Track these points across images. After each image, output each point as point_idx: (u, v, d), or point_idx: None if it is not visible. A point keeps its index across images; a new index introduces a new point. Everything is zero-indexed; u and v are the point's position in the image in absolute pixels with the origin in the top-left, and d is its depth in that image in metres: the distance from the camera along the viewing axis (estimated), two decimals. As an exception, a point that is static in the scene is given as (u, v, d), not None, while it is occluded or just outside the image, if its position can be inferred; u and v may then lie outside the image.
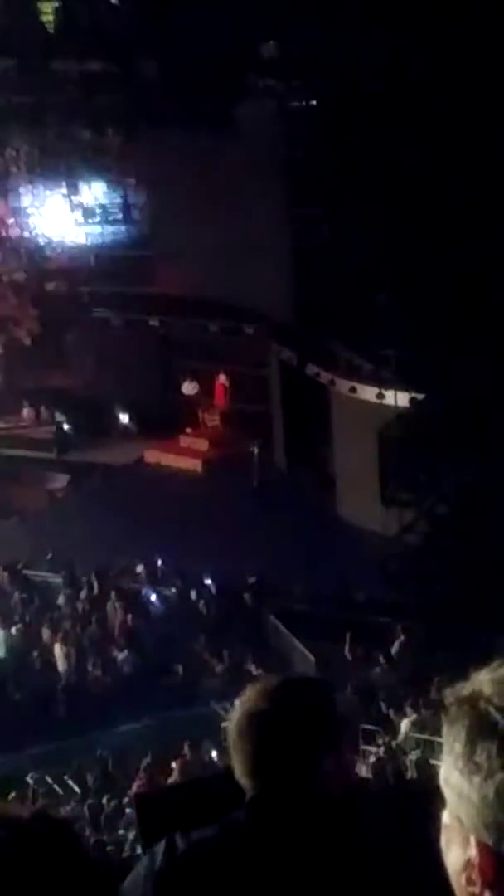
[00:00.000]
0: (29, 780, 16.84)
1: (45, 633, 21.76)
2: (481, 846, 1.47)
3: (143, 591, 23.38)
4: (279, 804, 2.47)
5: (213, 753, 16.31)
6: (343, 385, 26.93)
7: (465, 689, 1.58)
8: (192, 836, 2.48)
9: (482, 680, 1.56)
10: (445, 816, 1.53)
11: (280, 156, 28.80)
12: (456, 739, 1.51)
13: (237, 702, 2.61)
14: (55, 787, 17.03)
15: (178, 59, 29.13)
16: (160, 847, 2.48)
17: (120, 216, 35.89)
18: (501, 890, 1.46)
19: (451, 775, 1.50)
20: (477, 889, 1.48)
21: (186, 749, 16.69)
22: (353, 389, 26.54)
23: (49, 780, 16.58)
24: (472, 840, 1.48)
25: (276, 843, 2.44)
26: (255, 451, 29.44)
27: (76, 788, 16.96)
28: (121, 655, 21.22)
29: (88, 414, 32.62)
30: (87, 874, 1.67)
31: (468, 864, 1.49)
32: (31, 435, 32.81)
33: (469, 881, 1.49)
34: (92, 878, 1.68)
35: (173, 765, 16.30)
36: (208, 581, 23.38)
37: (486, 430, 23.31)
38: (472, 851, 1.48)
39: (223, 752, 15.33)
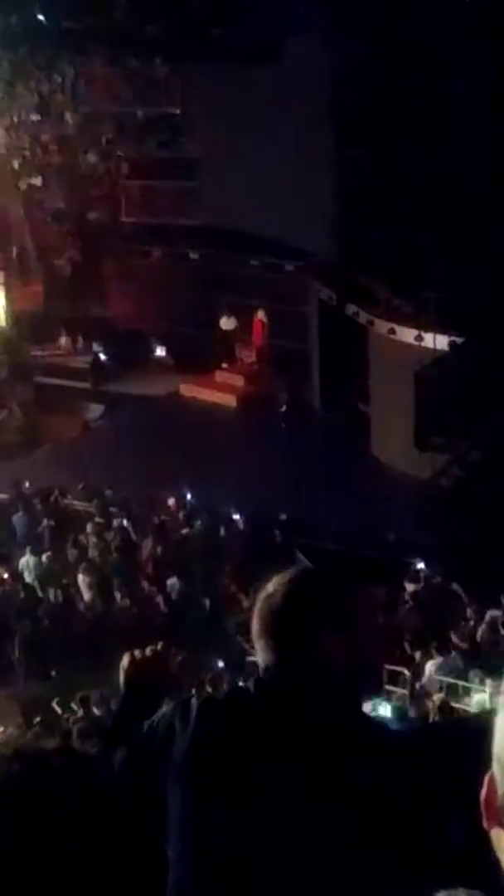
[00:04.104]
0: (55, 706, 17.01)
1: (74, 562, 21.92)
2: (491, 781, 1.47)
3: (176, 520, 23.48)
4: (281, 671, 2.93)
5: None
6: (382, 326, 26.76)
7: None
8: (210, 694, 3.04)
9: None
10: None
11: (328, 93, 28.48)
12: None
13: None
14: (80, 713, 17.17)
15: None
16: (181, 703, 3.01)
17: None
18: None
19: (495, 707, 1.52)
20: (484, 824, 1.48)
21: (209, 682, 16.79)
22: (392, 331, 26.37)
23: (74, 706, 16.71)
24: (487, 775, 1.48)
25: (273, 703, 2.90)
26: (284, 406, 29.44)
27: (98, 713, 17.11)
28: (169, 581, 21.33)
29: (125, 345, 32.60)
30: (105, 810, 1.66)
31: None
32: (67, 364, 32.84)
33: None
34: (111, 814, 1.67)
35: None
36: (238, 516, 23.44)
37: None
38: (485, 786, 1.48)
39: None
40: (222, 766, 2.86)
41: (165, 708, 3.07)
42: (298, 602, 2.99)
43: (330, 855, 2.71)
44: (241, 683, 3.24)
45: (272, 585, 3.06)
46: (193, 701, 3.00)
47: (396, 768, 2.87)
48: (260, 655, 3.03)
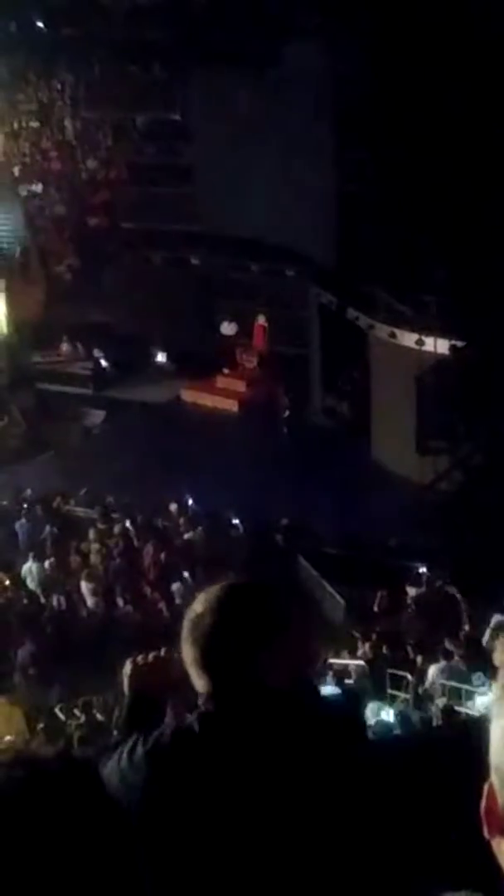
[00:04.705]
0: (58, 711, 17.01)
1: (77, 568, 21.91)
2: (490, 790, 1.47)
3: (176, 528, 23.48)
4: (223, 699, 2.73)
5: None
6: (383, 330, 26.76)
7: None
8: (153, 732, 2.80)
9: None
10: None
11: (327, 97, 28.50)
12: (498, 681, 1.53)
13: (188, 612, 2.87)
14: (83, 719, 17.17)
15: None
16: (125, 746, 2.82)
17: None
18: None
19: (491, 716, 1.51)
20: (485, 833, 1.48)
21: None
22: (393, 335, 26.38)
23: (77, 712, 16.71)
24: (486, 785, 1.48)
25: (219, 740, 2.70)
26: (285, 411, 29.46)
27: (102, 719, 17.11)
28: (174, 586, 21.34)
29: (126, 351, 32.61)
30: (107, 816, 1.66)
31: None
32: (68, 370, 32.84)
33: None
34: (112, 820, 1.66)
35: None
36: (240, 521, 23.44)
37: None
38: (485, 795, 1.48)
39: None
40: (183, 820, 2.66)
41: (114, 757, 2.82)
42: (230, 622, 2.78)
43: (320, 880, 2.58)
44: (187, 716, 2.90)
45: (199, 605, 2.85)
46: (139, 749, 2.79)
47: (370, 781, 2.72)
48: (196, 683, 2.82)
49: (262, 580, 3.15)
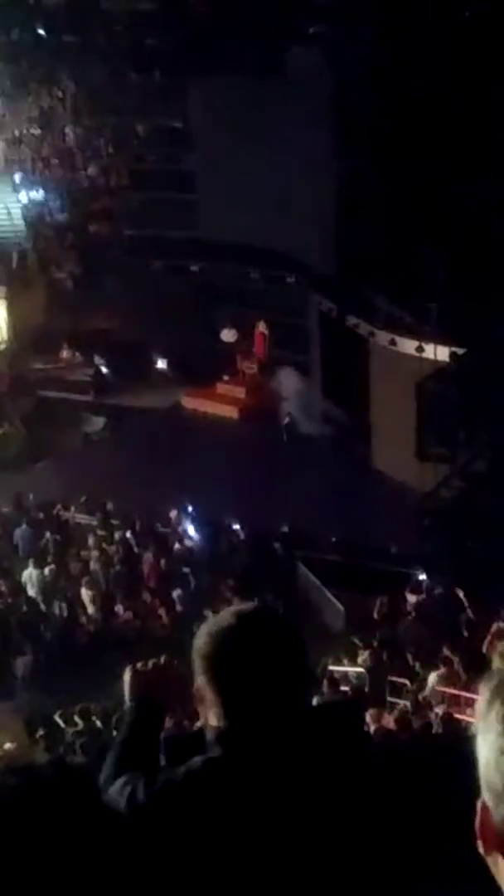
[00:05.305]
0: (57, 719, 16.98)
1: (77, 575, 21.89)
2: (483, 807, 1.46)
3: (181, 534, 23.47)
4: (256, 740, 2.46)
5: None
6: (383, 337, 26.78)
7: None
8: (169, 772, 2.52)
9: None
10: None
11: (327, 104, 28.53)
12: (482, 696, 1.49)
13: (204, 637, 2.57)
14: (82, 726, 17.16)
15: (228, 1, 28.83)
16: (139, 783, 2.53)
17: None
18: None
19: (476, 731, 1.49)
20: (481, 850, 1.47)
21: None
22: (393, 342, 26.39)
23: (77, 719, 16.69)
24: (480, 803, 1.47)
25: (253, 778, 2.44)
26: (286, 418, 29.50)
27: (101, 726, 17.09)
28: (175, 593, 21.33)
29: (127, 358, 32.61)
30: (101, 824, 1.66)
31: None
32: (69, 377, 32.86)
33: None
34: (107, 827, 1.66)
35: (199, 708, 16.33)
36: (240, 528, 23.43)
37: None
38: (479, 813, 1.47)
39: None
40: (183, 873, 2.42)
41: (110, 794, 2.54)
42: (270, 670, 2.50)
43: None
44: (195, 761, 2.48)
45: (221, 631, 2.55)
46: (140, 794, 2.51)
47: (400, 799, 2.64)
48: (214, 715, 2.54)
49: (283, 616, 2.75)
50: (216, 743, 2.50)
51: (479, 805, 1.47)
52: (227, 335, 32.72)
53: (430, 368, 25.29)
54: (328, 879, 2.46)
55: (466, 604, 19.03)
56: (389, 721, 13.66)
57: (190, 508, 24.28)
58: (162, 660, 3.13)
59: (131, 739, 2.92)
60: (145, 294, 32.49)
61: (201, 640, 2.57)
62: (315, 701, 10.02)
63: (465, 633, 18.13)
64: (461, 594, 18.74)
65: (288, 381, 30.77)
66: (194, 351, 32.17)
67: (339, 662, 17.81)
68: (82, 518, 24.50)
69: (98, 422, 31.48)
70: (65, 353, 33.55)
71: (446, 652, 16.84)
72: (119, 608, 21.19)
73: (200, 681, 2.55)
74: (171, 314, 31.96)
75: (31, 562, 22.06)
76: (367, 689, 16.38)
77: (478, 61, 24.49)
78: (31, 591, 21.44)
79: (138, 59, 33.42)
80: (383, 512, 23.74)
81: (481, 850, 1.47)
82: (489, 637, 17.20)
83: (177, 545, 23.21)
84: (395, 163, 26.81)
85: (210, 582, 21.96)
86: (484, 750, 1.46)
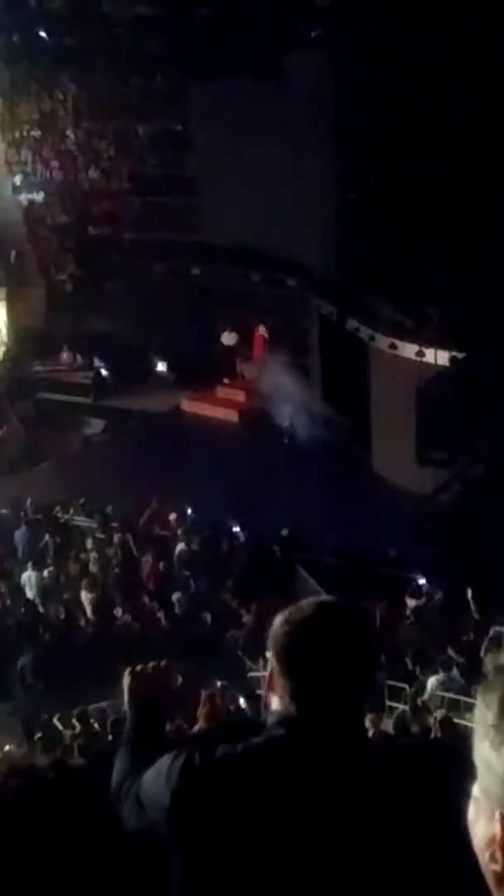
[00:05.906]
0: (55, 721, 16.96)
1: (76, 577, 21.88)
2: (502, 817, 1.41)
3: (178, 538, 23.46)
4: (319, 725, 2.53)
5: (241, 701, 16.38)
6: (383, 341, 26.77)
7: None
8: (226, 747, 2.57)
9: None
10: (475, 789, 1.47)
11: (328, 108, 28.54)
12: (489, 708, 1.45)
13: (281, 625, 2.65)
14: (79, 729, 17.14)
15: (228, 5, 28.81)
16: (178, 763, 2.53)
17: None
18: None
19: (482, 746, 1.44)
20: (499, 867, 1.42)
21: (210, 696, 16.71)
22: (394, 346, 26.38)
23: (75, 722, 16.67)
24: (497, 815, 1.42)
25: (312, 764, 2.51)
26: (286, 421, 29.47)
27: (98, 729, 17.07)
28: (174, 596, 21.30)
29: (127, 360, 32.62)
30: (99, 825, 1.66)
31: (493, 840, 1.43)
32: (68, 379, 32.87)
33: (492, 858, 1.43)
34: (105, 828, 1.66)
35: (199, 712, 16.32)
36: (239, 531, 23.42)
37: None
38: (497, 827, 1.42)
39: (250, 700, 15.43)
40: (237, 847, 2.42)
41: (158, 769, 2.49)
42: (354, 645, 2.64)
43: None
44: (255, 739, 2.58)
45: (297, 622, 2.64)
46: (197, 759, 2.51)
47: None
48: (281, 697, 2.61)
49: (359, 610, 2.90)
50: (279, 725, 2.58)
51: (496, 818, 1.43)
52: (227, 338, 32.73)
53: (431, 373, 25.29)
54: (374, 865, 2.51)
55: (468, 607, 19.03)
56: (388, 725, 13.66)
57: (189, 511, 24.28)
58: (161, 663, 3.13)
59: (138, 740, 2.90)
60: (146, 297, 32.49)
61: (278, 628, 2.65)
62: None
63: (465, 638, 18.14)
64: (468, 595, 18.70)
65: (288, 385, 30.75)
66: (194, 354, 32.17)
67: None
68: (81, 520, 24.50)
69: (98, 424, 31.48)
70: (65, 356, 33.56)
71: (447, 654, 16.85)
72: (118, 611, 21.18)
73: (274, 667, 2.64)
74: (171, 317, 31.97)
75: (29, 564, 22.06)
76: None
77: (479, 64, 24.50)
78: (30, 594, 21.44)
79: (140, 63, 33.42)
80: (383, 516, 23.73)
81: (494, 867, 1.42)
82: (486, 642, 17.22)
83: (176, 548, 23.21)
84: (395, 167, 26.82)
85: (209, 585, 21.96)
86: (499, 764, 1.41)
